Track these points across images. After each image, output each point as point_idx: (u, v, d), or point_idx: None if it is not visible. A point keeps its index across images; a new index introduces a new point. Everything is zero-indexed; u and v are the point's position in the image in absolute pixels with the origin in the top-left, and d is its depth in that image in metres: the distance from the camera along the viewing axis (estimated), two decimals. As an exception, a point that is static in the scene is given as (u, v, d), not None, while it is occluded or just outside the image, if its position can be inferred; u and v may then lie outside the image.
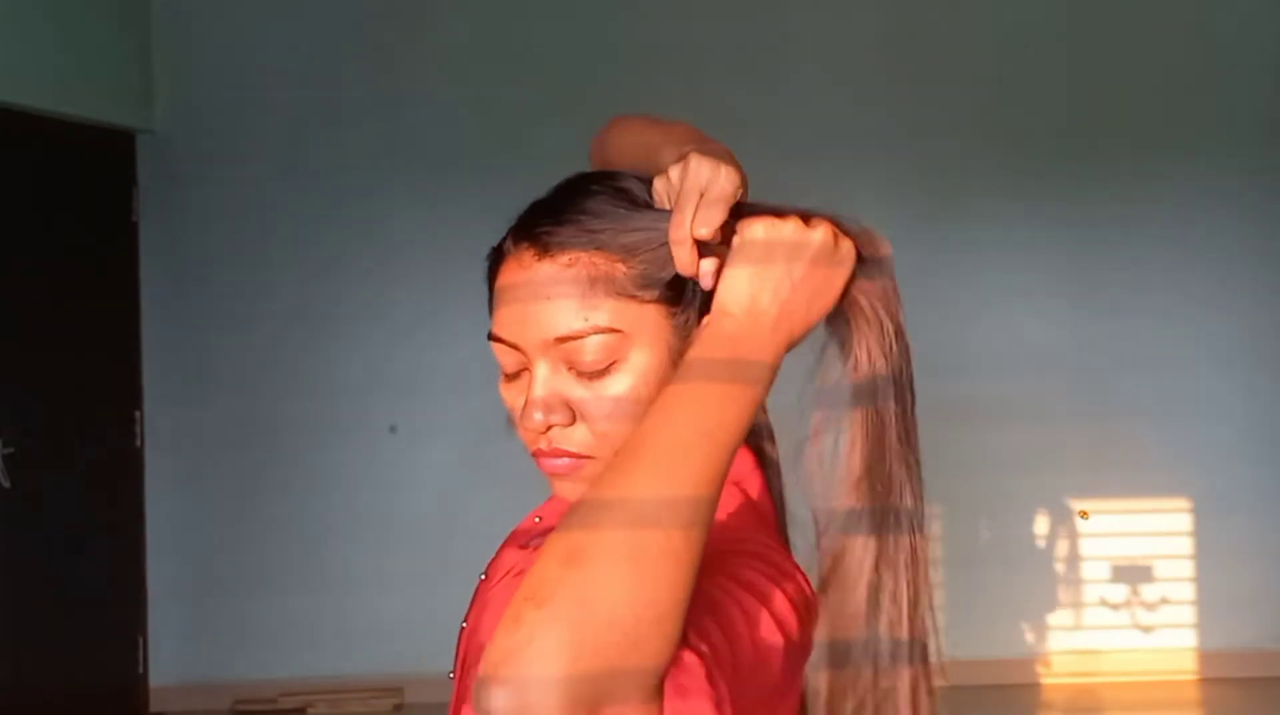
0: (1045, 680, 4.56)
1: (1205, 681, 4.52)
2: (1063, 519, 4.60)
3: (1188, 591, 4.58)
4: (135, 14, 4.52)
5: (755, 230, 0.93)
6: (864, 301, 1.00)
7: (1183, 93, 4.55)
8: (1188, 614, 4.58)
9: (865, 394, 1.01)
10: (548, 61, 4.58)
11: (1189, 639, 4.57)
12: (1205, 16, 4.54)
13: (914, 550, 1.00)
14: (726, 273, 0.92)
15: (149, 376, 4.59)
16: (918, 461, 1.04)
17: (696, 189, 0.94)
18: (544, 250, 0.96)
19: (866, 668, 0.93)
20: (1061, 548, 4.61)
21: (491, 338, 0.99)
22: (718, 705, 0.76)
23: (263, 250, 4.61)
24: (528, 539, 1.09)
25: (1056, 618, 4.60)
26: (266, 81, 4.61)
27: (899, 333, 1.03)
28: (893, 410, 1.03)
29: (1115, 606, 4.59)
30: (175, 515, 4.54)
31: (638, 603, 0.72)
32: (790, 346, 0.95)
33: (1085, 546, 4.59)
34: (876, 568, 0.97)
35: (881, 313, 1.01)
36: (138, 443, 4.55)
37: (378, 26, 4.61)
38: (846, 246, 0.98)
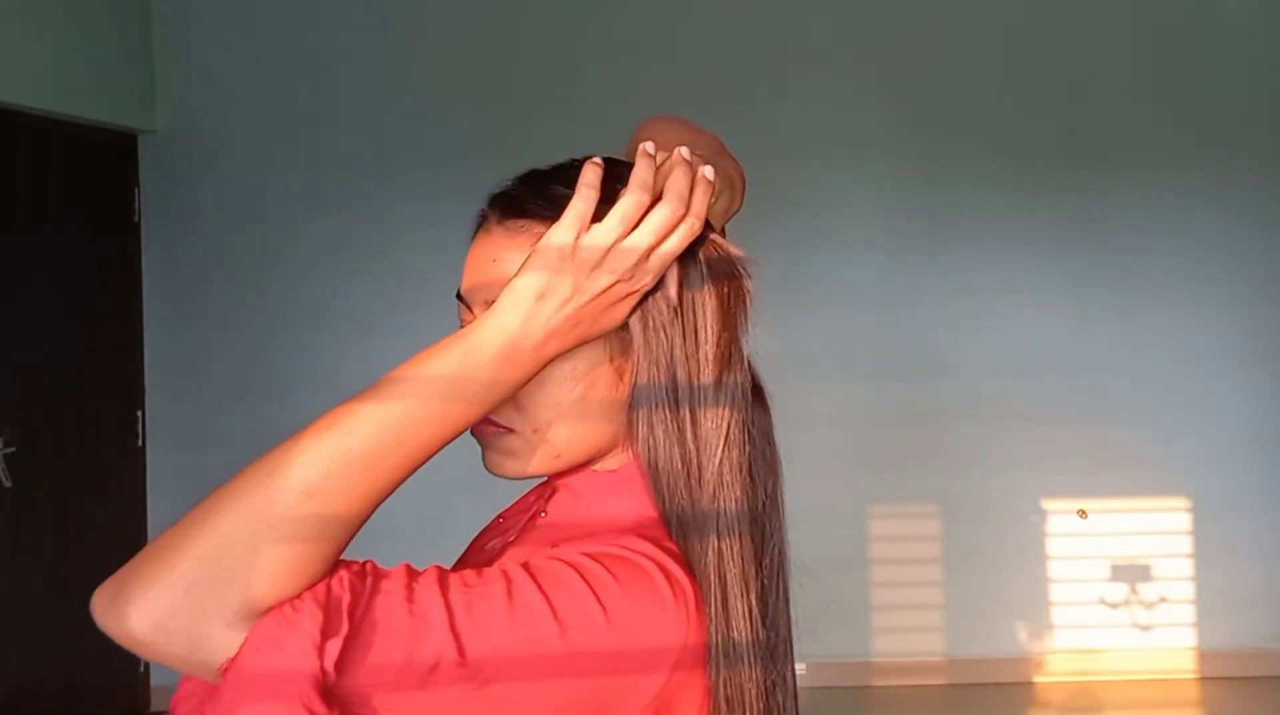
0: (1044, 679, 4.57)
1: (1204, 681, 4.53)
2: (1062, 518, 4.61)
3: (1187, 591, 4.59)
4: (137, 15, 4.53)
5: (561, 234, 0.88)
6: (650, 315, 0.95)
7: (1182, 93, 4.56)
8: (1187, 613, 4.59)
9: (644, 399, 0.96)
10: (548, 61, 4.59)
11: (1188, 638, 4.58)
12: (1206, 15, 4.54)
13: (733, 551, 0.94)
14: (521, 272, 0.88)
15: (151, 376, 4.60)
16: (726, 466, 0.95)
17: (672, 183, 0.91)
18: (504, 214, 0.97)
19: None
20: (1060, 547, 4.61)
21: (457, 296, 1.00)
22: (324, 633, 0.78)
23: (265, 250, 4.62)
24: (489, 540, 1.10)
25: (1055, 617, 4.61)
26: (268, 82, 4.62)
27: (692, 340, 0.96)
28: (677, 417, 0.96)
29: (1114, 605, 4.60)
30: (177, 514, 4.49)
31: (232, 540, 0.80)
32: (538, 368, 0.91)
33: (1084, 546, 4.60)
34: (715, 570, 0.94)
35: (663, 324, 0.95)
36: (140, 442, 4.56)
37: (379, 26, 4.62)
38: (648, 271, 0.91)
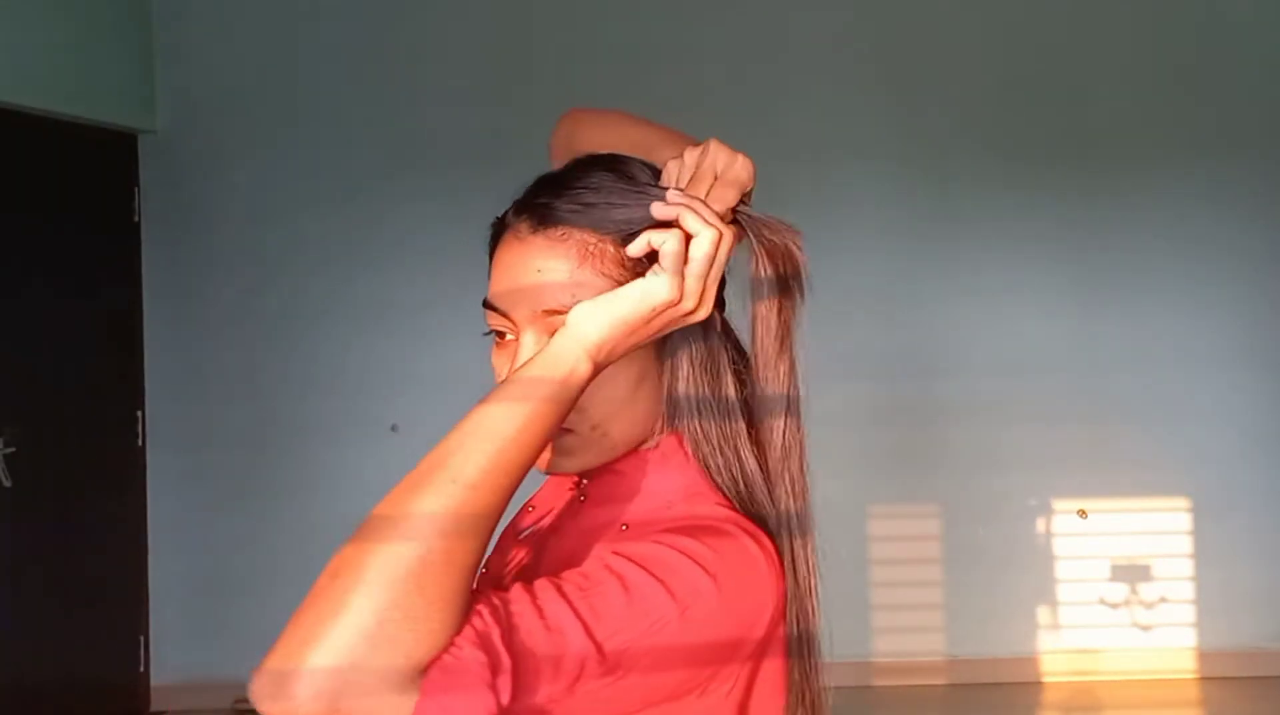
0: (1044, 679, 4.57)
1: (1204, 681, 4.53)
2: (1062, 518, 4.60)
3: (1187, 591, 4.59)
4: (137, 15, 4.53)
5: (665, 291, 0.93)
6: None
7: (1183, 92, 4.56)
8: (1187, 613, 4.59)
9: (700, 409, 1.03)
10: (547, 61, 4.59)
11: (1188, 638, 4.58)
12: (1206, 15, 4.54)
13: (808, 549, 1.01)
14: (617, 303, 0.92)
15: (151, 376, 4.60)
16: (795, 467, 1.02)
17: (713, 170, 0.98)
18: (540, 223, 0.98)
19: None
20: (1061, 547, 4.61)
21: (485, 304, 1.01)
22: (493, 670, 0.81)
23: (264, 250, 4.62)
24: (520, 530, 1.12)
25: (1056, 617, 4.61)
26: (267, 82, 4.62)
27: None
28: (734, 424, 1.03)
29: (1114, 605, 4.60)
30: (177, 514, 4.55)
31: (384, 609, 0.79)
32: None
33: (1084, 546, 4.60)
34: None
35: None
36: (140, 442, 4.56)
37: (379, 26, 4.62)
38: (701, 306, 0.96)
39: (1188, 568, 4.59)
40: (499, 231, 1.03)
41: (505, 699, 0.81)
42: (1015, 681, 4.53)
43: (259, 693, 0.79)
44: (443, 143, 4.56)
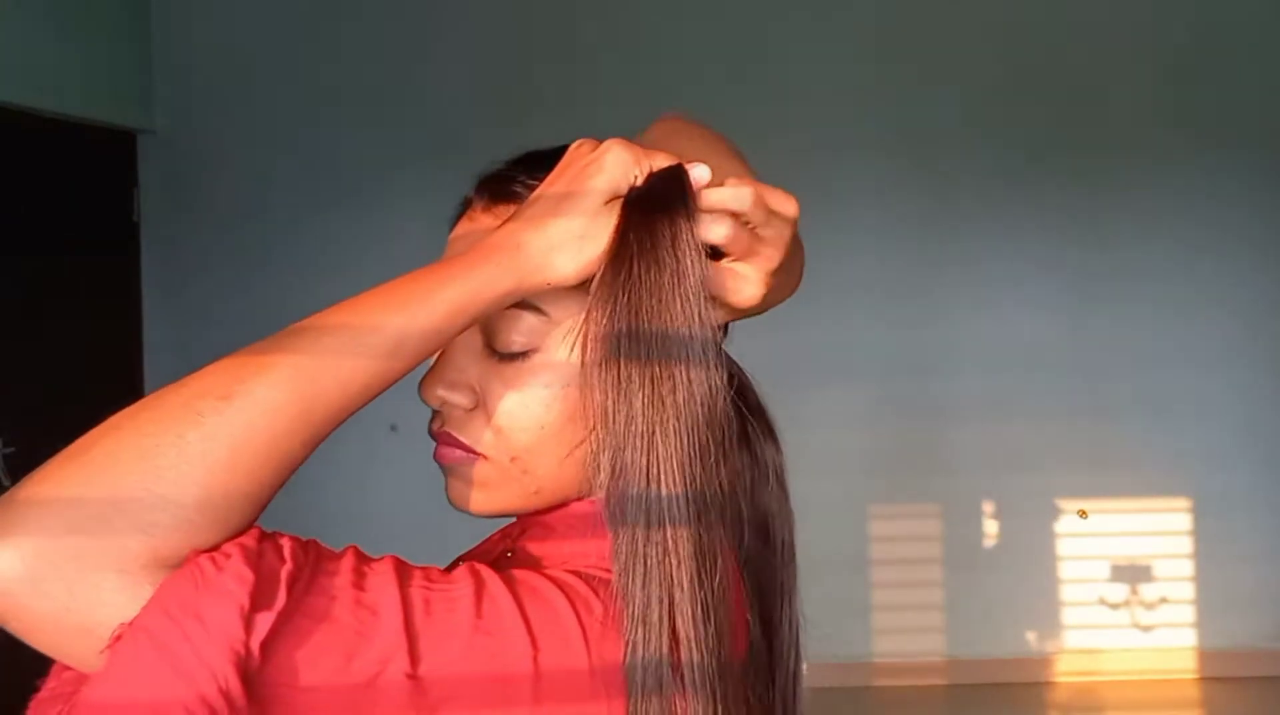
0: (1045, 679, 4.56)
1: (1205, 681, 4.53)
2: (1062, 519, 4.60)
3: (1187, 591, 4.58)
4: (136, 13, 4.52)
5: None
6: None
7: (1182, 90, 4.55)
8: (1187, 613, 4.58)
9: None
10: (547, 61, 4.58)
11: (1189, 638, 4.57)
12: (1208, 14, 4.54)
13: (665, 545, 0.73)
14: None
15: (150, 376, 4.59)
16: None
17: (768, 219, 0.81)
18: (492, 200, 0.85)
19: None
20: (1061, 547, 4.61)
21: None
22: (254, 600, 0.62)
23: (264, 250, 4.62)
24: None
25: (1056, 617, 4.61)
26: (267, 81, 4.62)
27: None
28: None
29: (1115, 606, 4.60)
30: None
31: (131, 450, 0.68)
32: (512, 295, 0.77)
33: (1085, 546, 4.60)
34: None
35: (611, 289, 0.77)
36: (139, 442, 4.55)
37: (379, 25, 4.62)
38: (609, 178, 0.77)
39: (1188, 568, 4.59)
40: (459, 211, 0.88)
41: (256, 642, 0.62)
42: (1016, 682, 4.53)
43: None
44: (444, 140, 4.55)
